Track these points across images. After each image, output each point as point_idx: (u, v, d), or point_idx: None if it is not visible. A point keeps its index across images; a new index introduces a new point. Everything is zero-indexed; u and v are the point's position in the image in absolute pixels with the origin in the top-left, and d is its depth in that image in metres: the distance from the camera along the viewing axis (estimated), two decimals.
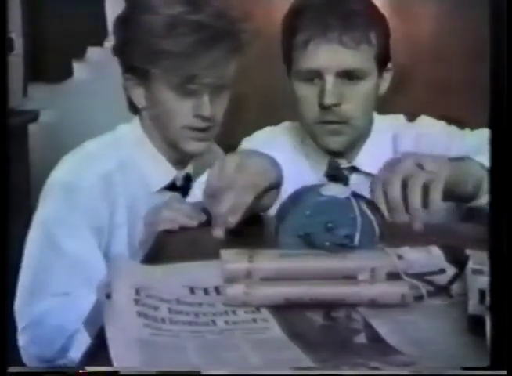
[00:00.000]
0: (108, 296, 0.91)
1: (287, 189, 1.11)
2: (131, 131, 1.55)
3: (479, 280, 0.86)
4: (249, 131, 1.62)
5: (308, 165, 1.55)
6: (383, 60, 1.48)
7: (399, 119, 1.60)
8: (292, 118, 1.62)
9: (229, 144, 1.61)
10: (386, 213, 1.04)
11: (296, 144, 1.58)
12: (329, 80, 1.41)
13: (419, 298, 0.94)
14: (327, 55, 1.41)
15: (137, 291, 0.93)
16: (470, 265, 0.90)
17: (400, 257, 0.96)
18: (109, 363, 0.78)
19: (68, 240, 1.41)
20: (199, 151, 1.52)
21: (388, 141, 1.55)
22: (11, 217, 0.95)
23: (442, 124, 1.57)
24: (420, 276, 0.97)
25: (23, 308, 1.38)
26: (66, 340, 1.36)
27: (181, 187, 1.55)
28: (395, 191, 1.04)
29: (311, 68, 1.43)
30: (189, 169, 1.57)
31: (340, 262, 0.95)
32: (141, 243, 1.33)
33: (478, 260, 0.89)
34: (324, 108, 1.42)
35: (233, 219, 1.02)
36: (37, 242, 1.43)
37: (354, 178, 1.53)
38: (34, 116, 2.54)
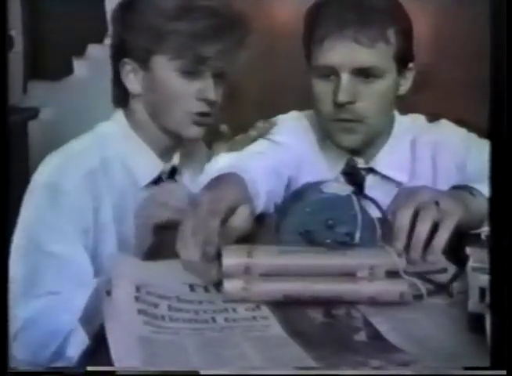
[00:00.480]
0: (108, 293, 0.91)
1: (303, 181, 1.12)
2: (114, 126, 1.53)
3: (479, 278, 0.86)
4: (249, 124, 1.61)
5: (325, 161, 1.53)
6: (403, 59, 1.45)
7: (420, 120, 1.58)
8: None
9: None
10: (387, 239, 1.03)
11: (318, 136, 1.56)
12: (344, 77, 1.40)
13: (418, 296, 0.94)
14: (342, 52, 1.40)
15: (137, 288, 0.93)
16: (471, 263, 0.90)
17: (400, 255, 0.96)
18: (109, 360, 0.78)
19: (53, 242, 1.38)
20: (198, 136, 1.50)
21: (407, 145, 1.53)
22: (11, 213, 0.94)
23: (463, 131, 1.56)
24: (420, 275, 0.97)
25: (12, 312, 1.37)
26: (61, 342, 1.35)
27: (167, 180, 1.53)
28: (405, 219, 1.03)
29: (326, 64, 1.41)
30: (176, 161, 1.55)
31: (340, 259, 0.96)
32: (136, 239, 1.33)
33: (479, 258, 0.89)
34: (338, 105, 1.41)
35: (210, 248, 0.97)
36: (22, 245, 1.39)
37: (370, 179, 1.51)
38: (34, 113, 2.54)
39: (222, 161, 1.37)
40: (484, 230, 1.12)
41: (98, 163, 1.45)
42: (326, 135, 1.50)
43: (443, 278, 1.00)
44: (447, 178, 1.40)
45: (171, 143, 1.52)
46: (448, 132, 1.54)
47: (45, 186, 1.41)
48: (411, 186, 1.15)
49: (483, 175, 1.16)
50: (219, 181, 1.10)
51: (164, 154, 1.53)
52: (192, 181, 1.50)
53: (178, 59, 1.43)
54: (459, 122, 1.57)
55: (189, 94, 1.45)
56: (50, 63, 2.79)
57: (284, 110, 1.60)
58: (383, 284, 0.94)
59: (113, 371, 0.79)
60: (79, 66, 2.87)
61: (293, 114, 1.62)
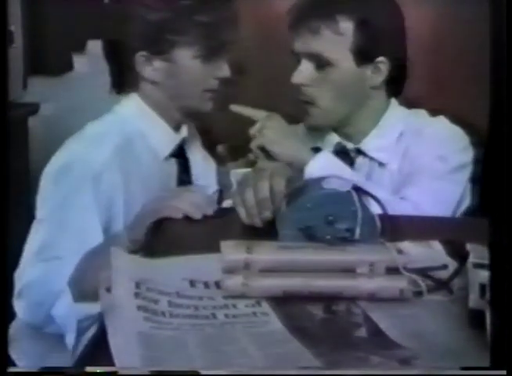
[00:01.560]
0: (108, 290, 0.91)
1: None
2: (131, 107, 1.62)
3: (480, 274, 0.86)
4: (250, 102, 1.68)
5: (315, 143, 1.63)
6: (364, 52, 1.53)
7: (422, 114, 1.63)
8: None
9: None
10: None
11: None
12: (303, 62, 1.53)
13: (418, 293, 0.94)
14: (299, 39, 1.53)
15: (137, 285, 0.93)
16: (471, 259, 0.90)
17: (400, 251, 0.96)
18: (110, 357, 0.78)
19: (77, 213, 1.44)
20: (211, 109, 1.61)
21: (395, 133, 1.59)
22: (10, 209, 0.94)
23: (457, 130, 1.59)
24: (420, 271, 0.97)
25: (20, 272, 1.41)
26: (52, 302, 1.38)
27: (179, 153, 1.64)
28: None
29: (293, 50, 1.55)
30: (184, 132, 1.65)
31: (340, 255, 0.95)
32: (130, 228, 1.36)
33: (479, 254, 0.89)
34: (294, 87, 1.54)
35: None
36: (44, 217, 1.47)
37: (359, 161, 1.60)
38: (34, 109, 2.54)
39: None
40: None
41: (121, 140, 1.53)
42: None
43: (443, 274, 0.99)
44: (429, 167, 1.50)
45: (182, 118, 1.63)
46: (439, 126, 1.60)
47: (73, 164, 1.48)
48: None
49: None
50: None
51: (176, 128, 1.63)
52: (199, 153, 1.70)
53: (198, 48, 1.54)
54: (458, 120, 1.60)
55: (207, 75, 1.57)
56: (50, 59, 2.78)
57: (283, 101, 1.67)
58: (383, 281, 0.93)
59: (115, 372, 0.79)
60: (79, 62, 2.86)
61: None
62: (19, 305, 1.40)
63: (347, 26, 1.51)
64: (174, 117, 1.61)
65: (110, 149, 1.49)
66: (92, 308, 1.23)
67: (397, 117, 1.61)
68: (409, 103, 1.65)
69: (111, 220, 1.48)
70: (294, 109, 1.63)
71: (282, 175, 1.21)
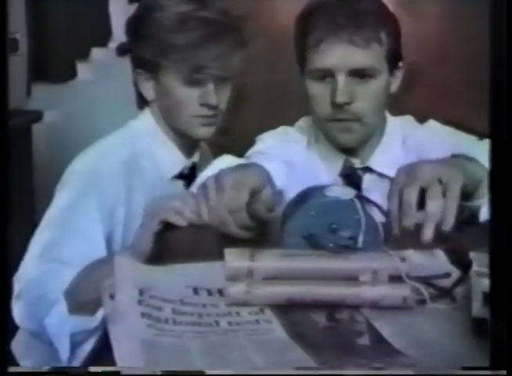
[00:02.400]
0: (112, 297, 0.91)
1: (301, 188, 1.13)
2: (143, 124, 1.63)
3: (483, 282, 0.86)
4: (254, 123, 1.65)
5: (322, 165, 1.56)
6: (393, 59, 1.49)
7: (408, 120, 1.62)
8: (296, 112, 1.65)
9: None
10: (396, 216, 1.04)
11: (310, 144, 1.60)
12: (341, 78, 1.43)
13: (421, 301, 0.94)
14: (338, 54, 1.43)
15: (141, 292, 0.93)
16: (475, 267, 0.90)
17: (403, 259, 0.96)
18: (113, 363, 0.78)
19: (81, 216, 1.45)
20: (207, 135, 1.59)
21: (399, 144, 1.56)
22: (14, 216, 0.94)
23: (450, 130, 1.58)
24: (423, 280, 0.97)
25: (20, 273, 1.41)
26: (46, 309, 1.38)
27: (187, 176, 1.62)
28: (412, 196, 1.04)
29: (323, 67, 1.45)
30: (196, 158, 1.65)
31: (343, 263, 0.96)
32: (138, 237, 1.35)
33: (482, 262, 0.89)
34: (336, 106, 1.45)
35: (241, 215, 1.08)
36: (52, 218, 1.47)
37: (367, 178, 1.54)
38: (37, 116, 2.54)
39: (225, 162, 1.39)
40: (480, 203, 1.17)
41: (129, 155, 1.55)
42: (323, 136, 1.54)
43: (446, 283, 0.99)
44: None
45: (188, 142, 1.62)
46: (436, 130, 1.58)
47: (82, 172, 1.50)
48: (410, 164, 1.15)
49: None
50: (241, 166, 1.19)
51: (185, 152, 1.62)
52: None
53: (179, 70, 1.52)
54: (455, 124, 1.59)
55: (192, 100, 1.54)
56: (54, 66, 2.79)
57: (288, 111, 1.63)
58: (385, 289, 0.94)
59: (117, 371, 0.79)
60: (83, 69, 2.87)
61: (279, 129, 1.66)
62: (16, 309, 1.40)
63: (382, 34, 1.46)
64: (178, 140, 1.61)
65: (117, 163, 1.51)
66: (88, 321, 1.20)
67: (395, 127, 1.58)
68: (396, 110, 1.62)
69: (112, 233, 1.49)
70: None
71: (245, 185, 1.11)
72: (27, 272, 1.41)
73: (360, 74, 1.44)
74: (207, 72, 1.52)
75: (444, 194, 1.04)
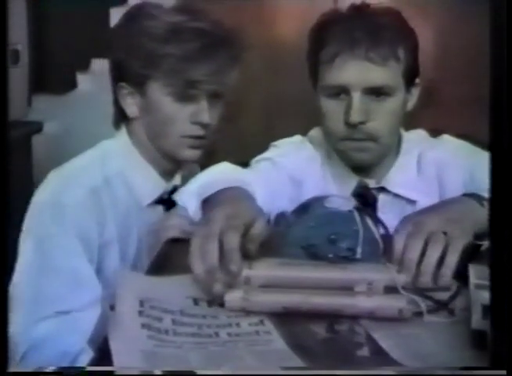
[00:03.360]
0: (112, 308, 0.92)
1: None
2: (117, 145, 1.53)
3: (482, 295, 0.86)
4: (249, 140, 1.60)
5: (334, 184, 1.51)
6: (411, 76, 1.44)
7: (422, 135, 1.57)
8: (295, 127, 1.62)
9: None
10: (396, 267, 1.01)
11: (323, 161, 1.54)
12: (356, 97, 1.38)
13: (418, 313, 0.95)
14: (354, 71, 1.37)
15: (141, 303, 0.94)
16: (473, 280, 0.90)
17: (400, 271, 0.96)
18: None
19: (61, 256, 1.37)
20: (194, 159, 1.50)
21: (414, 162, 1.51)
22: (14, 228, 0.94)
23: (465, 144, 1.54)
24: (420, 292, 0.98)
25: (20, 332, 1.35)
26: (70, 363, 1.33)
27: (167, 200, 1.51)
28: (416, 251, 1.01)
29: (337, 84, 1.39)
30: (177, 181, 1.55)
31: (339, 273, 0.97)
32: (148, 253, 1.33)
33: (481, 275, 0.90)
34: (350, 126, 1.39)
35: (234, 267, 0.96)
36: (29, 261, 1.39)
37: (382, 198, 1.48)
38: (38, 127, 2.55)
39: (216, 172, 1.36)
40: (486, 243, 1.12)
41: (100, 181, 1.45)
42: (336, 154, 1.48)
43: (444, 295, 1.00)
44: (455, 195, 1.33)
45: (171, 164, 1.52)
46: (452, 148, 1.52)
47: (47, 203, 1.41)
48: (417, 213, 1.12)
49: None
50: (227, 196, 1.10)
51: (166, 174, 1.52)
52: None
53: (169, 83, 1.42)
54: (464, 138, 1.56)
55: (182, 118, 1.45)
56: (54, 77, 2.80)
57: (286, 126, 1.58)
58: (381, 300, 0.94)
59: (112, 371, 0.80)
60: (83, 80, 2.88)
61: (296, 138, 1.60)
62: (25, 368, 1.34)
63: (400, 50, 1.39)
64: (160, 161, 1.51)
65: (85, 191, 1.41)
66: None
67: (410, 145, 1.52)
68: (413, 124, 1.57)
69: (92, 258, 1.41)
70: None
71: (235, 228, 0.98)
72: (28, 332, 1.34)
73: (376, 92, 1.39)
74: (200, 87, 1.43)
75: (446, 248, 1.02)
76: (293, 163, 1.50)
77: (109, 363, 0.82)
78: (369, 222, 1.01)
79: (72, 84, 2.87)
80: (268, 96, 2.32)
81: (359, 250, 0.99)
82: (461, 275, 0.98)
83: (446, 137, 1.55)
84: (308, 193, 1.41)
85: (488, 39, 0.86)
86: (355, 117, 1.37)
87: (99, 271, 1.41)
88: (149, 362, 0.82)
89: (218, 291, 0.95)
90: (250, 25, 1.55)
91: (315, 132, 1.58)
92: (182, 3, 1.51)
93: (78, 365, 1.29)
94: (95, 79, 2.85)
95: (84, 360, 1.25)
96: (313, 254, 0.99)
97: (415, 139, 1.53)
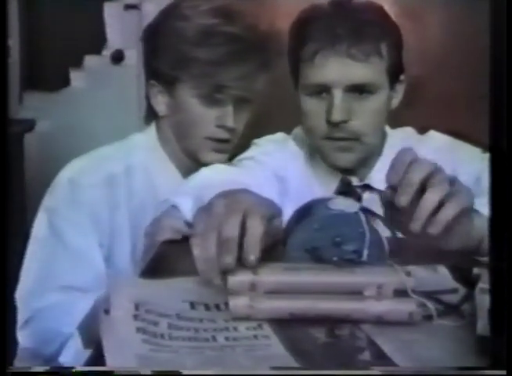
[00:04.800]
0: (106, 311, 0.91)
1: (296, 204, 1.08)
2: (145, 139, 1.58)
3: (488, 299, 0.85)
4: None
5: (317, 182, 1.52)
6: (395, 72, 1.44)
7: (409, 132, 1.57)
8: (281, 125, 1.62)
9: None
10: (391, 193, 1.00)
11: (306, 158, 1.55)
12: (338, 95, 1.37)
13: (428, 317, 0.94)
14: (335, 68, 1.37)
15: (136, 306, 0.93)
16: (480, 284, 0.89)
17: (409, 274, 0.96)
18: None
19: (71, 233, 1.45)
20: (217, 162, 1.51)
21: None
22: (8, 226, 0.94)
23: (452, 141, 1.54)
24: (429, 295, 0.97)
25: (25, 300, 1.40)
26: (59, 344, 1.37)
27: None
28: (416, 177, 0.98)
29: (318, 82, 1.39)
30: None
31: (347, 277, 0.95)
32: (143, 255, 1.33)
33: (487, 279, 0.89)
34: (332, 124, 1.39)
35: (253, 257, 0.91)
36: (42, 234, 1.47)
37: (367, 196, 1.48)
38: (30, 125, 2.55)
39: (211, 173, 1.36)
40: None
41: (121, 169, 1.52)
42: (318, 154, 1.48)
43: (453, 298, 0.99)
44: None
45: (195, 166, 1.52)
46: (437, 144, 1.52)
47: (67, 180, 1.49)
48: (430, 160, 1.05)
49: (475, 186, 1.17)
50: (228, 191, 1.05)
51: (188, 175, 1.51)
52: None
53: (197, 86, 1.46)
54: (458, 136, 1.57)
55: (208, 120, 1.49)
56: (47, 74, 2.80)
57: (272, 124, 1.60)
58: (391, 303, 0.93)
59: (111, 371, 0.80)
60: (76, 77, 2.88)
61: (279, 136, 1.60)
62: (24, 337, 1.38)
63: (383, 46, 1.40)
64: (185, 161, 1.55)
65: (103, 175, 1.49)
66: None
67: (395, 142, 1.51)
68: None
69: (102, 240, 1.48)
70: None
71: (260, 214, 0.94)
72: (32, 302, 1.39)
73: (358, 90, 1.39)
74: (227, 92, 1.46)
75: (447, 198, 0.98)
76: (276, 161, 1.51)
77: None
78: (375, 223, 1.00)
79: (65, 82, 2.86)
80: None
81: (365, 252, 0.98)
82: (466, 278, 0.98)
83: (432, 133, 1.56)
84: (293, 190, 1.43)
85: (487, 39, 0.86)
86: (336, 115, 1.37)
87: (109, 256, 1.47)
88: (144, 367, 0.81)
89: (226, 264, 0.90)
90: (280, 30, 1.55)
91: (299, 130, 1.58)
92: (218, 5, 1.51)
93: (66, 351, 1.32)
94: (88, 76, 2.85)
95: (72, 347, 1.29)
96: (317, 258, 0.98)
97: (400, 136, 1.54)
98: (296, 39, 1.45)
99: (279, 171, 1.49)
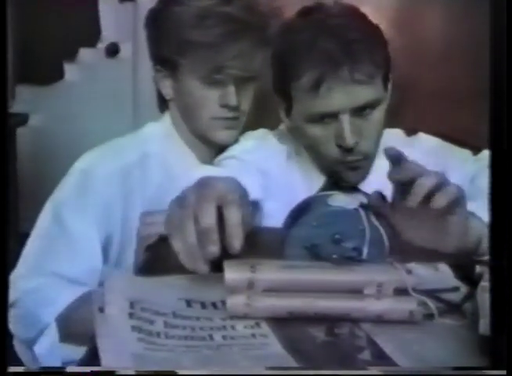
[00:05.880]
0: (101, 309, 0.91)
1: (280, 201, 1.08)
2: (160, 126, 1.61)
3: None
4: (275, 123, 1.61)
5: (301, 180, 1.51)
6: (386, 74, 1.43)
7: (397, 134, 1.57)
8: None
9: None
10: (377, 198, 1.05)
11: (290, 155, 1.54)
12: (346, 120, 1.36)
13: (429, 316, 0.94)
14: (341, 96, 1.36)
15: (132, 305, 0.93)
16: (482, 283, 0.89)
17: (409, 272, 0.96)
18: None
19: (75, 224, 1.46)
20: (228, 140, 1.55)
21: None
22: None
23: (441, 143, 1.55)
24: (430, 293, 0.97)
25: (15, 283, 1.41)
26: (37, 332, 1.37)
27: None
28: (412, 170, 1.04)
29: (324, 112, 1.38)
30: None
31: (346, 275, 0.95)
32: (136, 255, 1.34)
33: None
34: (345, 150, 1.39)
35: (238, 243, 0.91)
36: (45, 223, 1.48)
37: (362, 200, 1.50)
38: (22, 119, 2.54)
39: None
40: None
41: (136, 159, 1.54)
42: (330, 175, 1.48)
43: (455, 297, 0.99)
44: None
45: (208, 148, 1.59)
46: (426, 146, 1.53)
47: (80, 171, 1.51)
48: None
49: (470, 188, 1.19)
50: (197, 181, 1.04)
51: (205, 159, 1.58)
52: None
53: (197, 69, 1.49)
54: (448, 137, 1.57)
55: (211, 101, 1.52)
56: (40, 67, 2.79)
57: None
58: (391, 302, 0.93)
59: (113, 371, 0.80)
60: (70, 70, 2.87)
61: (259, 132, 1.61)
62: (13, 317, 1.39)
63: (379, 57, 1.39)
64: (197, 144, 1.58)
65: (118, 164, 1.51)
66: (80, 352, 1.20)
67: (383, 143, 1.46)
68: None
69: (109, 238, 1.49)
70: None
71: (234, 200, 0.93)
72: (22, 281, 1.40)
73: (363, 109, 1.38)
74: (226, 72, 1.49)
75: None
76: (257, 157, 1.50)
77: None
78: (375, 220, 1.00)
79: (59, 75, 2.86)
80: None
81: (365, 250, 0.98)
82: (468, 276, 0.98)
83: (421, 135, 1.56)
84: (274, 185, 1.43)
85: (486, 39, 0.87)
86: (349, 140, 1.37)
87: (123, 244, 1.49)
88: (139, 366, 0.81)
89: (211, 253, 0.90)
90: (278, 9, 1.56)
91: (284, 127, 1.58)
92: None
93: (41, 341, 1.32)
94: (83, 69, 2.84)
95: (48, 337, 1.30)
96: (316, 255, 0.98)
97: (388, 138, 1.52)
98: (286, 70, 1.42)
99: (261, 165, 1.49)
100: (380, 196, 1.09)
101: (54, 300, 1.36)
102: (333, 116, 1.38)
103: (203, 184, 0.99)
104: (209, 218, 0.90)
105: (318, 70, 1.35)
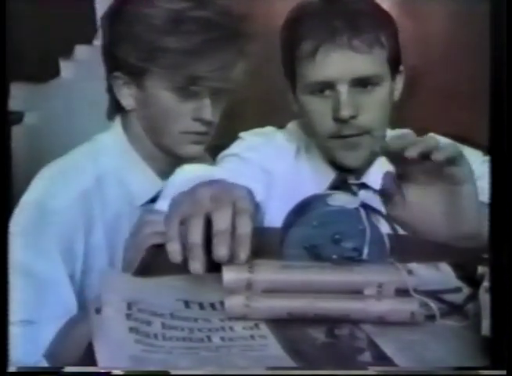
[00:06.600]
0: (98, 311, 0.91)
1: (285, 201, 1.07)
2: (111, 140, 1.51)
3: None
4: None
5: (310, 177, 1.51)
6: (394, 63, 1.44)
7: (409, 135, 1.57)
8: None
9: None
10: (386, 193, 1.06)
11: (299, 153, 1.54)
12: (343, 90, 1.37)
13: (431, 317, 0.94)
14: (338, 62, 1.36)
15: (129, 306, 0.93)
16: (485, 283, 0.90)
17: (410, 272, 0.96)
18: None
19: (37, 264, 1.36)
20: (194, 155, 1.48)
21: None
22: None
23: (452, 144, 1.54)
24: (432, 294, 0.97)
25: None
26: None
27: None
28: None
29: (321, 79, 1.38)
30: None
31: (347, 275, 0.95)
32: (128, 261, 1.31)
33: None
34: (340, 122, 1.38)
35: (244, 255, 0.90)
36: (13, 260, 1.39)
37: (363, 194, 1.48)
38: (17, 117, 2.54)
39: (188, 172, 1.34)
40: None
41: (92, 182, 1.43)
42: (323, 153, 1.48)
43: (457, 298, 0.99)
44: None
45: (170, 161, 1.49)
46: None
47: (34, 205, 1.39)
48: None
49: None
50: (212, 181, 1.05)
51: (163, 173, 1.49)
52: None
53: (169, 79, 1.40)
54: (458, 136, 1.57)
55: (183, 113, 1.43)
56: (35, 64, 2.79)
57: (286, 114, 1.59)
58: (392, 303, 0.93)
59: (109, 372, 0.80)
60: (66, 67, 2.87)
61: (267, 129, 1.60)
62: None
63: (383, 36, 1.39)
64: (158, 157, 1.49)
65: (74, 194, 1.41)
66: None
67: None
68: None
69: (73, 271, 1.40)
70: None
71: (248, 210, 0.92)
72: None
73: (363, 83, 1.38)
74: (204, 84, 1.41)
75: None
76: (262, 155, 1.50)
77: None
78: (376, 220, 1.00)
79: (54, 72, 2.85)
80: (269, 90, 2.32)
81: (366, 250, 0.98)
82: (470, 277, 0.98)
83: (431, 136, 1.56)
84: (279, 184, 1.42)
85: (486, 38, 0.87)
86: (345, 111, 1.36)
87: (85, 278, 1.40)
88: (137, 368, 0.81)
89: (196, 269, 0.88)
90: (254, 13, 1.53)
91: (292, 125, 1.58)
92: None
93: None
94: (79, 66, 2.84)
95: None
96: (316, 255, 0.98)
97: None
98: (290, 39, 1.43)
99: (265, 164, 1.48)
100: (393, 177, 1.08)
101: (35, 341, 1.29)
102: (332, 87, 1.38)
103: (219, 187, 0.98)
104: (225, 223, 0.89)
105: (316, 37, 1.36)
